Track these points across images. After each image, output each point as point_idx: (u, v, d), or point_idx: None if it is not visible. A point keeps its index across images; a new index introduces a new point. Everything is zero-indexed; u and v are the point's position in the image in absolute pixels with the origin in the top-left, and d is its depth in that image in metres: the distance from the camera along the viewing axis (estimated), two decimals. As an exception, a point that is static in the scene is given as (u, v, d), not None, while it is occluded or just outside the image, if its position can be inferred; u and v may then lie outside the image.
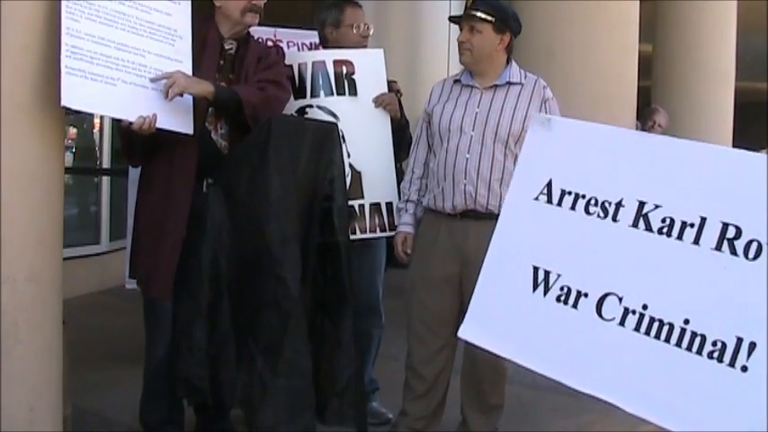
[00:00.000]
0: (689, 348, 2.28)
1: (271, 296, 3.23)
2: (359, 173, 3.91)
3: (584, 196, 2.59)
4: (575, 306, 2.51)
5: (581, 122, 2.82)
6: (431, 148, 3.74)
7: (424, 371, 3.68)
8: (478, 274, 2.82)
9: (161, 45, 3.32)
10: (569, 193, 2.62)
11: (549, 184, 2.67)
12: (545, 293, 2.57)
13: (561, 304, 2.53)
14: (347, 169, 3.70)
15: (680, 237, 2.38)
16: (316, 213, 3.37)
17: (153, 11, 3.31)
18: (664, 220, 2.42)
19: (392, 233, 3.91)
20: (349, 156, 3.81)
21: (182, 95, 3.28)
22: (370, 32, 4.20)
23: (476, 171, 3.51)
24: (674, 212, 2.40)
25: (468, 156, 3.54)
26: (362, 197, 3.92)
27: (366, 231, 3.93)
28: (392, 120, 4.01)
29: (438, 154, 3.65)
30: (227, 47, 3.60)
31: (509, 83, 3.61)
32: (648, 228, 2.44)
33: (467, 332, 2.80)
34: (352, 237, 3.69)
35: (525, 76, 3.67)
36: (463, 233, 3.54)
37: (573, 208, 2.60)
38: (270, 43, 4.81)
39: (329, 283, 3.44)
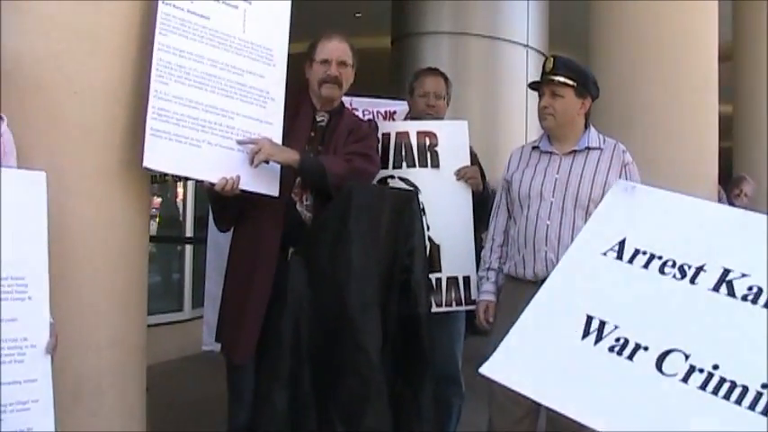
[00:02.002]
0: (765, 413, 2.19)
1: (352, 364, 3.22)
2: (437, 246, 3.89)
3: (660, 257, 2.51)
4: (630, 358, 2.36)
5: (666, 192, 2.76)
6: (511, 216, 3.72)
7: (506, 440, 3.61)
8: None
9: (252, 107, 3.32)
10: (644, 252, 2.55)
11: (622, 243, 2.60)
12: (596, 342, 2.44)
13: (614, 354, 2.39)
14: (425, 242, 3.68)
15: (767, 305, 2.31)
16: (396, 281, 3.36)
17: (246, 73, 3.31)
18: (750, 288, 2.33)
19: (469, 307, 3.88)
20: (428, 228, 3.80)
21: (267, 162, 3.30)
22: (436, 103, 4.19)
23: (557, 238, 3.47)
24: (764, 283, 2.33)
25: (548, 222, 3.51)
26: (440, 270, 3.90)
27: (442, 305, 3.90)
28: (474, 192, 3.99)
29: (518, 221, 3.63)
30: (318, 118, 3.61)
31: (588, 148, 3.59)
32: (731, 293, 2.36)
33: (490, 370, 2.59)
34: (428, 310, 3.65)
35: (604, 141, 3.64)
36: (544, 301, 3.49)
37: (645, 267, 2.53)
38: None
39: (409, 353, 3.40)
